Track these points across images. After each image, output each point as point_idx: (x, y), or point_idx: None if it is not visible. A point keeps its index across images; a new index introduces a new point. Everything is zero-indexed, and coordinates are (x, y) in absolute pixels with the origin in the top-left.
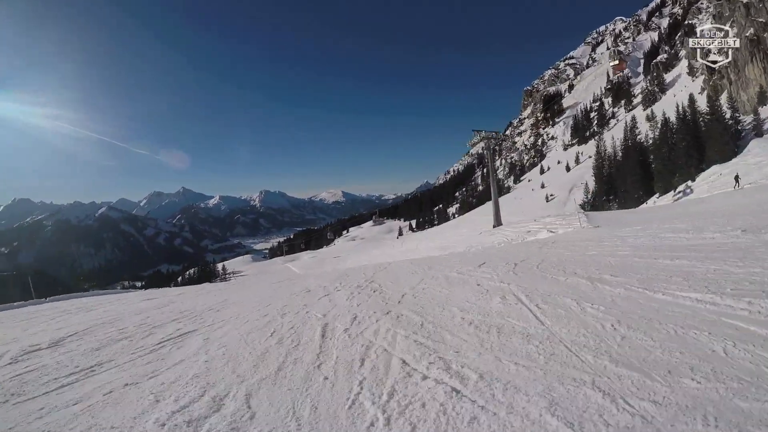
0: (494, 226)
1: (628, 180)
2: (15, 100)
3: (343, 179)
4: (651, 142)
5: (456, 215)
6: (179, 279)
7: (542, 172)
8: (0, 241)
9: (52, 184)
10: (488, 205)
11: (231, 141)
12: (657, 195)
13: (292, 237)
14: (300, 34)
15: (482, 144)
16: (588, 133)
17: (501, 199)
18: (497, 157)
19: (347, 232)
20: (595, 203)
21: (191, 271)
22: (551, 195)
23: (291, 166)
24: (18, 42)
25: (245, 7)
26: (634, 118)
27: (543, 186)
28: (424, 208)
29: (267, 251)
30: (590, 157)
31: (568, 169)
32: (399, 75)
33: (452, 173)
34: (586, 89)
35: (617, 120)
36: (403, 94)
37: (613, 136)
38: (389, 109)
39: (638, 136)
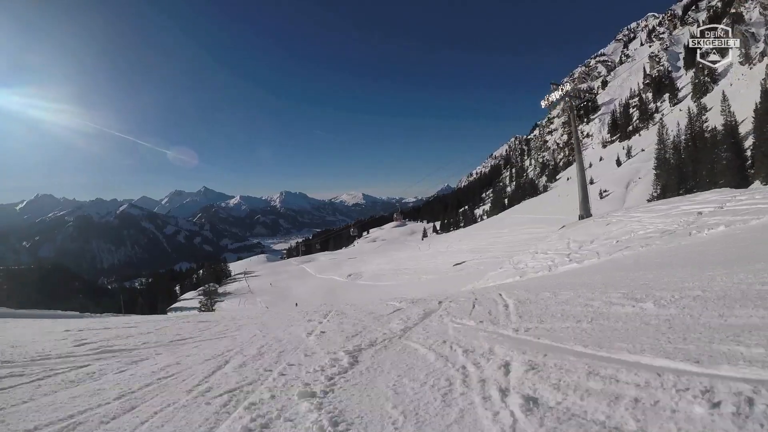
0: (581, 217)
1: (714, 168)
2: (40, 97)
3: (364, 181)
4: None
5: (484, 217)
6: (194, 277)
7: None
8: (22, 236)
9: (75, 180)
10: (528, 204)
11: (252, 141)
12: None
13: (311, 237)
14: (323, 33)
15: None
16: (630, 128)
17: (540, 198)
18: (526, 157)
19: (367, 233)
20: (667, 197)
21: (200, 272)
22: (605, 191)
23: (312, 168)
24: (43, 40)
25: (268, 6)
26: (701, 105)
27: (592, 182)
28: (449, 210)
29: (285, 252)
30: (643, 150)
31: (618, 163)
32: (421, 75)
33: (476, 175)
34: (620, 86)
35: (662, 114)
36: (426, 95)
37: (679, 123)
38: (411, 111)
39: (705, 123)
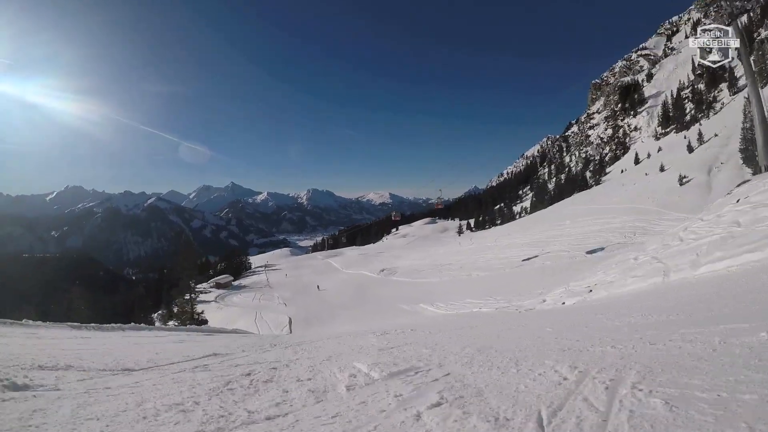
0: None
1: None
2: (73, 90)
3: (391, 181)
4: None
5: (523, 213)
6: (211, 271)
7: (637, 161)
8: (51, 226)
9: (105, 174)
10: (583, 196)
11: (281, 139)
12: None
13: (336, 234)
14: (364, 38)
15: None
16: (687, 118)
17: (595, 190)
18: (565, 153)
19: (396, 230)
20: None
21: (222, 264)
22: (684, 177)
23: (339, 167)
24: (78, 35)
25: (299, 6)
26: None
27: (662, 169)
28: (483, 207)
29: (310, 248)
30: (716, 135)
31: (690, 149)
32: (449, 77)
33: (507, 175)
34: (667, 78)
35: (722, 103)
36: (453, 96)
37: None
38: (439, 113)
39: None
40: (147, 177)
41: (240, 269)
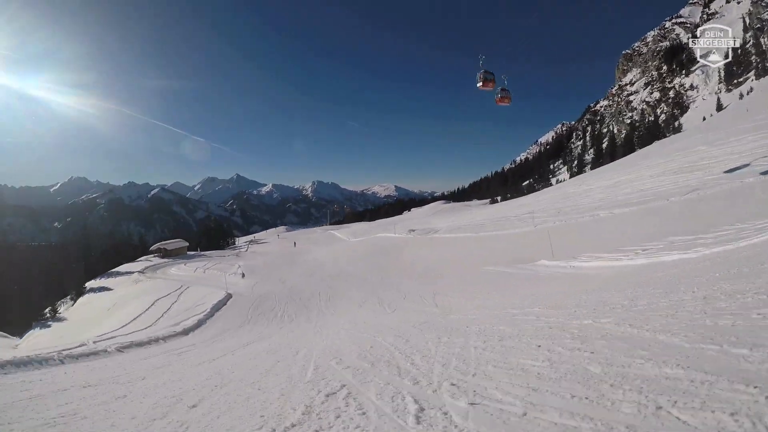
0: None
1: None
2: (75, 84)
3: (396, 174)
4: None
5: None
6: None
7: (720, 108)
8: (54, 217)
9: (110, 166)
10: (684, 135)
11: (287, 132)
12: None
13: (342, 219)
14: (353, 37)
15: None
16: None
17: (690, 132)
18: (597, 126)
19: (409, 211)
20: None
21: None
22: None
23: (344, 159)
24: (77, 31)
25: (303, 7)
26: None
27: None
28: (509, 184)
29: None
30: None
31: None
32: (455, 81)
33: (519, 162)
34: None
35: None
36: (462, 99)
37: None
38: (445, 114)
39: None
40: (152, 169)
41: (223, 246)
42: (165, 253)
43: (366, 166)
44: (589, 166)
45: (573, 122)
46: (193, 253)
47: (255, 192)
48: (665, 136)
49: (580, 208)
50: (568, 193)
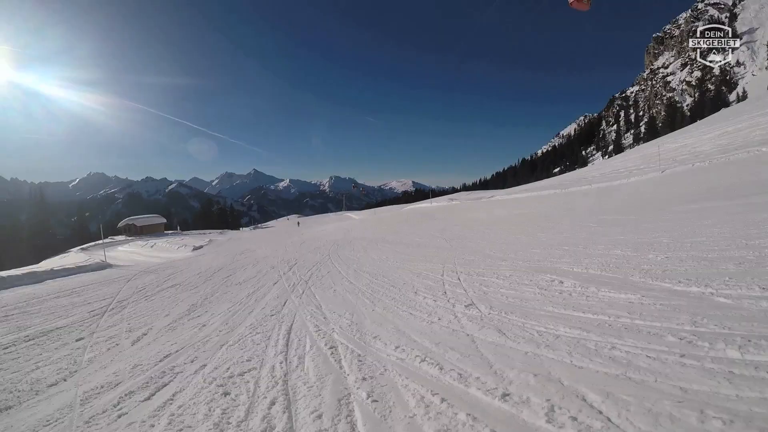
0: None
1: None
2: (94, 83)
3: (414, 170)
4: None
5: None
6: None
7: None
8: (72, 211)
9: (129, 162)
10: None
11: (304, 129)
12: None
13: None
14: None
15: None
16: None
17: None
18: (631, 111)
19: (430, 203)
20: None
21: None
22: None
23: (362, 155)
24: (104, 32)
25: (324, 11)
26: None
27: None
28: (538, 171)
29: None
30: None
31: None
32: (471, 84)
33: (541, 153)
34: (756, 16)
35: None
36: (477, 81)
37: None
38: (462, 108)
39: None
40: (171, 165)
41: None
42: (134, 231)
43: (384, 161)
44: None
45: (594, 114)
46: (170, 232)
47: (272, 187)
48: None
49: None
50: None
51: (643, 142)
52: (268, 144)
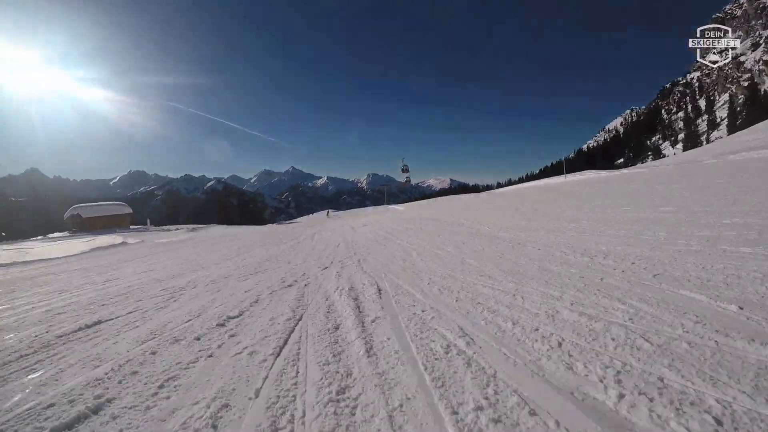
0: None
1: None
2: (135, 86)
3: (452, 168)
4: None
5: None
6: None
7: None
8: None
9: (170, 159)
10: None
11: (342, 126)
12: None
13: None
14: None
15: None
16: None
17: None
18: (698, 97)
19: (476, 196)
20: None
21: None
22: None
23: (400, 152)
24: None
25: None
26: None
27: None
28: (597, 163)
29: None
30: None
31: None
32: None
33: (587, 148)
34: None
35: None
36: (519, 78)
37: None
38: (499, 104)
39: None
40: (210, 162)
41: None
42: (78, 225)
43: (422, 159)
44: (705, 134)
45: (641, 107)
46: (137, 226)
47: (310, 184)
48: None
49: None
50: None
51: (727, 126)
52: (307, 141)
